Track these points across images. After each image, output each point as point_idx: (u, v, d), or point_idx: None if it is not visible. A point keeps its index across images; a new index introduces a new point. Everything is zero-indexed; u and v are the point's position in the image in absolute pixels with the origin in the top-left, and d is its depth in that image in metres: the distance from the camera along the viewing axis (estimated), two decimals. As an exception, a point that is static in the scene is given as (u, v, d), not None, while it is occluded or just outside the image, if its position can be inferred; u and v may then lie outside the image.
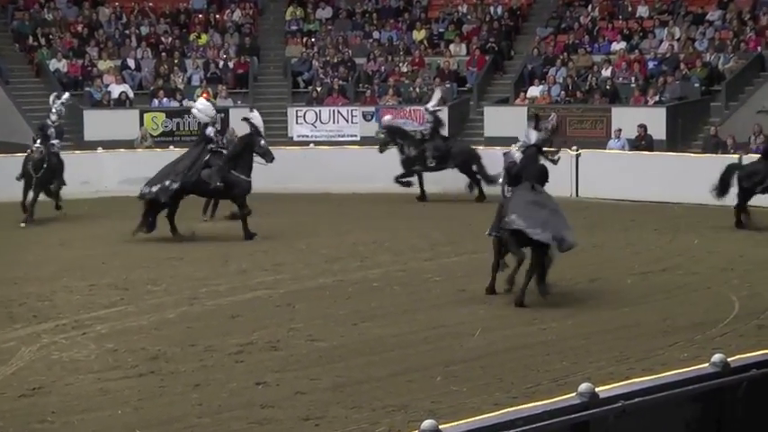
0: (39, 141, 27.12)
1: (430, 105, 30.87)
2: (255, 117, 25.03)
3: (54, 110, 27.42)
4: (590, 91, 34.83)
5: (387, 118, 31.74)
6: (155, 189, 24.30)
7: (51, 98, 28.03)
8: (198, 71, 37.92)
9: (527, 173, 18.75)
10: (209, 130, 25.05)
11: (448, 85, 35.97)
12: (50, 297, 19.07)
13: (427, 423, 8.44)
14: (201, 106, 25.97)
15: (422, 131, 30.63)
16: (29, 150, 27.31)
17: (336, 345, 15.89)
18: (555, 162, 19.48)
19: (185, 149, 26.80)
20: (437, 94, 31.49)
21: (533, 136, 19.20)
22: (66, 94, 28.52)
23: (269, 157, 24.61)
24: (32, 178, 26.60)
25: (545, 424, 8.99)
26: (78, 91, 36.76)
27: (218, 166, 24.51)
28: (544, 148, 19.36)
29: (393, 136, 30.03)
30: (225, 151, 24.81)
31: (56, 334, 16.66)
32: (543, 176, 18.90)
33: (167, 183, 24.27)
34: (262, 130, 24.91)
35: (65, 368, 14.93)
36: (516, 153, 19.08)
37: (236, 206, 24.94)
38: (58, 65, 37.42)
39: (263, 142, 24.75)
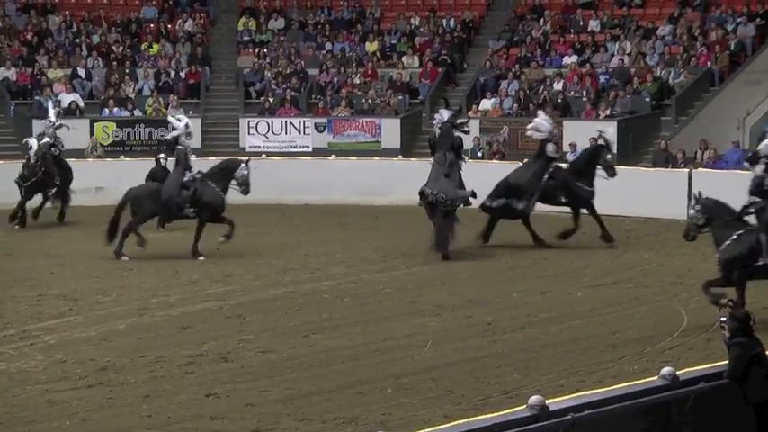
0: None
1: (52, 118, 28.55)
2: (610, 133, 24.58)
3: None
4: (542, 104, 34.96)
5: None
6: (495, 204, 24.51)
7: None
8: (149, 81, 37.73)
9: (441, 144, 23.89)
10: (550, 148, 24.75)
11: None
12: (-2, 307, 18.91)
13: (378, 435, 8.43)
14: (541, 121, 25.37)
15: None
16: None
17: (287, 356, 15.85)
18: (467, 132, 24.77)
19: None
20: (51, 109, 29.32)
21: (445, 114, 24.43)
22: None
23: (611, 172, 24.38)
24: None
25: (496, 436, 9.01)
26: (28, 100, 36.51)
27: (562, 179, 24.53)
28: (456, 122, 24.33)
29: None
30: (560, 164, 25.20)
31: (3, 344, 16.51)
32: (456, 146, 24.00)
33: (518, 205, 24.42)
34: (613, 146, 24.54)
35: (12, 379, 14.79)
36: (435, 129, 24.48)
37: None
38: (6, 73, 37.08)
39: (609, 156, 24.58)
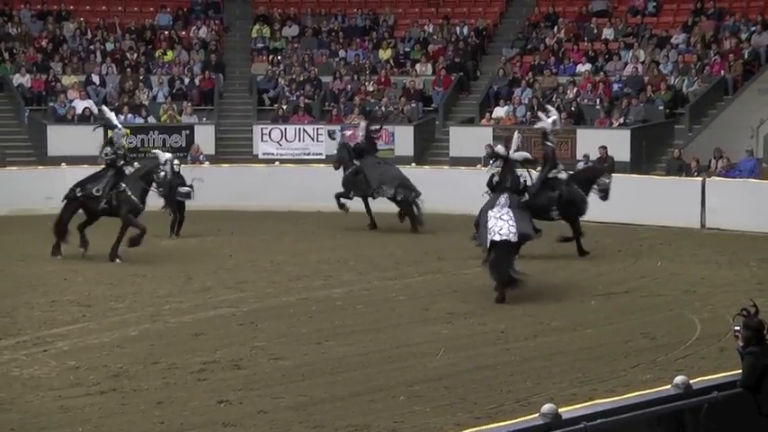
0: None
1: (118, 124, 25.85)
2: None
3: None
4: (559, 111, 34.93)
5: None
6: None
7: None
8: (163, 87, 37.81)
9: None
10: None
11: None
12: (11, 313, 18.92)
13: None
14: None
15: None
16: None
17: (299, 363, 15.85)
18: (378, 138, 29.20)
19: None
20: (110, 113, 26.64)
21: (363, 124, 28.91)
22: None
23: None
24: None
25: (508, 445, 8.99)
26: (42, 106, 36.62)
27: None
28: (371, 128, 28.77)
29: None
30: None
31: (16, 350, 16.53)
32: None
33: None
34: None
35: (25, 385, 14.81)
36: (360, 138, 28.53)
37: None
38: (21, 80, 37.20)
39: None
